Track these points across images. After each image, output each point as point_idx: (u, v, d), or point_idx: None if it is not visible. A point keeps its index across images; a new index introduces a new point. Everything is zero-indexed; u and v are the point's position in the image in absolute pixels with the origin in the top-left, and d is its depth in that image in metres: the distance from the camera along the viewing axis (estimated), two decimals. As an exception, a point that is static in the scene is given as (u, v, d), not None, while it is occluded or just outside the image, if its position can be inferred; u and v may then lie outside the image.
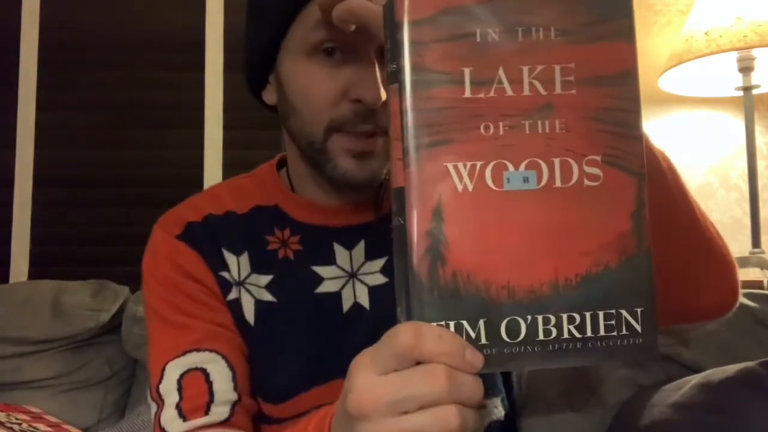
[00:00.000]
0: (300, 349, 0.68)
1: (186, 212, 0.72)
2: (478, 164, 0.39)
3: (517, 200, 0.39)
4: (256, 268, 0.69)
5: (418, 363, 0.38)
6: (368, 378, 0.38)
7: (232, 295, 0.69)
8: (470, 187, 0.38)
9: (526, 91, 0.39)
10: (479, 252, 0.39)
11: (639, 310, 0.40)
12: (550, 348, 0.39)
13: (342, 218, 0.70)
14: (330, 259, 0.70)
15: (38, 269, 1.83)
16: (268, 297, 0.69)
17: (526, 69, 0.39)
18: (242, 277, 0.69)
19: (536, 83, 0.39)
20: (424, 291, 0.38)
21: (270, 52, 0.64)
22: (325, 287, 0.69)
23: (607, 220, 0.40)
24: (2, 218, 1.85)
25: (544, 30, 0.39)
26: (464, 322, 0.38)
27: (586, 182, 0.40)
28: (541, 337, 0.39)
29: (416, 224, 0.38)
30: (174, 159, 1.89)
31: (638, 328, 0.40)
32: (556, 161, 0.39)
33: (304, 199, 0.71)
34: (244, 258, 0.69)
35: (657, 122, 1.81)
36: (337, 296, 0.69)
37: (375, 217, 0.70)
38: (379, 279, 0.69)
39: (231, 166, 1.87)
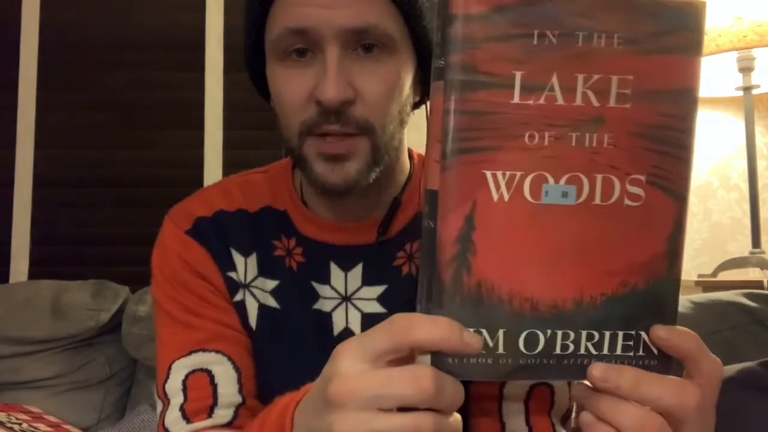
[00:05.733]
0: (293, 360, 0.66)
1: (197, 206, 0.70)
2: (518, 175, 0.37)
3: (553, 214, 0.38)
4: (263, 272, 0.68)
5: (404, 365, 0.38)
6: (355, 365, 0.38)
7: (238, 297, 0.68)
8: (506, 197, 0.37)
9: (578, 102, 0.37)
10: (507, 263, 0.38)
11: None
12: (566, 362, 0.39)
13: (342, 236, 0.68)
14: (326, 278, 0.67)
15: (38, 269, 1.83)
16: (272, 303, 0.68)
17: (581, 77, 0.37)
18: (248, 280, 0.68)
19: (590, 93, 0.37)
20: (447, 296, 0.38)
21: (258, 56, 0.64)
22: (321, 305, 0.67)
23: (641, 241, 0.39)
24: (2, 218, 1.85)
25: (606, 37, 0.37)
26: (483, 331, 0.38)
27: (627, 201, 0.38)
28: (558, 351, 0.39)
29: (447, 229, 0.37)
30: (174, 159, 1.89)
31: (655, 350, 0.40)
32: (599, 177, 0.38)
33: (311, 211, 0.70)
34: (252, 260, 0.69)
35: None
36: (328, 317, 0.67)
37: (377, 239, 0.67)
38: (375, 307, 0.66)
39: (231, 166, 1.87)
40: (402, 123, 0.63)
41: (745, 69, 1.58)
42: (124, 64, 1.90)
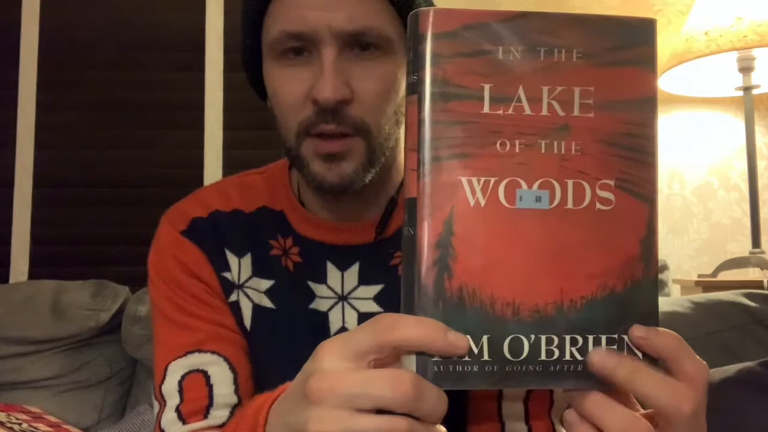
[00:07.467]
0: (290, 359, 0.66)
1: (193, 207, 0.71)
2: (492, 180, 0.39)
3: (528, 219, 0.39)
4: (258, 272, 0.69)
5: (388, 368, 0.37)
6: (337, 363, 0.37)
7: (233, 298, 0.68)
8: (482, 202, 0.38)
9: (545, 111, 0.39)
10: (487, 267, 0.38)
11: None
12: (551, 368, 0.39)
13: (339, 236, 0.68)
14: (322, 278, 0.68)
15: (38, 269, 1.83)
16: (267, 303, 0.68)
17: (545, 89, 0.39)
18: (242, 281, 0.69)
19: (555, 104, 0.39)
20: (430, 302, 0.38)
21: (255, 56, 0.64)
22: (317, 304, 0.67)
23: (616, 245, 0.40)
24: (2, 218, 1.85)
25: (566, 52, 0.39)
26: (468, 337, 0.38)
27: (598, 206, 0.40)
28: (543, 357, 0.39)
29: (426, 235, 0.38)
30: (174, 159, 1.89)
31: (639, 354, 0.40)
32: (570, 183, 0.39)
33: (308, 211, 0.70)
34: (246, 260, 0.69)
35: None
36: (325, 317, 0.67)
37: (374, 239, 0.67)
38: (372, 307, 0.66)
39: (231, 166, 1.87)
40: (398, 123, 0.63)
41: (745, 69, 1.58)
42: (124, 64, 1.90)
